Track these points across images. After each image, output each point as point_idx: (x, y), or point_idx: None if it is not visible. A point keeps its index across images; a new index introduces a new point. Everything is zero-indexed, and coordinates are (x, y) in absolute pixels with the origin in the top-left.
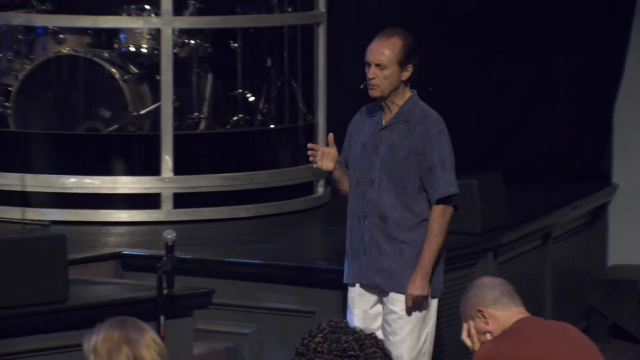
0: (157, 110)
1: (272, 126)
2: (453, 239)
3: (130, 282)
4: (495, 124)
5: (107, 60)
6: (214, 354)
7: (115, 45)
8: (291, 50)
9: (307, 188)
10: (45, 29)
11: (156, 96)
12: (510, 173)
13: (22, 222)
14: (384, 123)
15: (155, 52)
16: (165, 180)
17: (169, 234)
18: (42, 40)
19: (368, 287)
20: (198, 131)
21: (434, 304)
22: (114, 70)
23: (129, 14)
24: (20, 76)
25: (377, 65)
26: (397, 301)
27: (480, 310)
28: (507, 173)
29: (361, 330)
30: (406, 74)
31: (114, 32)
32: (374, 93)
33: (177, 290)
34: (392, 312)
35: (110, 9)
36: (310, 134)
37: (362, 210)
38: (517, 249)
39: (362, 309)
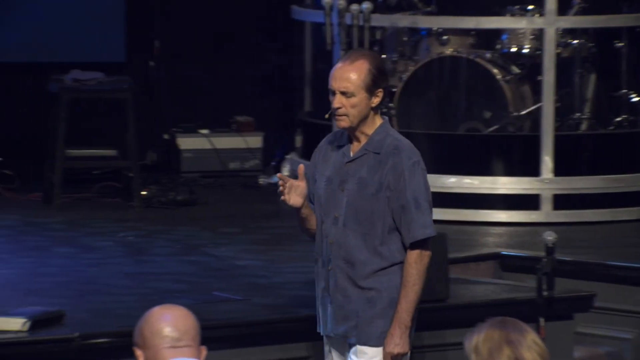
0: (538, 111)
1: None
2: None
3: (508, 282)
4: None
5: (489, 61)
6: (594, 357)
7: (497, 46)
8: None
9: None
10: (428, 31)
11: (537, 97)
12: None
13: None
14: (351, 155)
15: (538, 52)
16: (545, 181)
17: (549, 236)
18: (426, 42)
19: (336, 338)
20: (579, 132)
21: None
22: (495, 70)
23: (512, 15)
24: (404, 77)
25: (343, 93)
26: (362, 354)
27: None
28: None
29: None
30: (376, 100)
31: (495, 33)
32: (341, 124)
33: (557, 292)
34: None
35: (493, 10)
36: None
37: (326, 252)
38: None
39: None
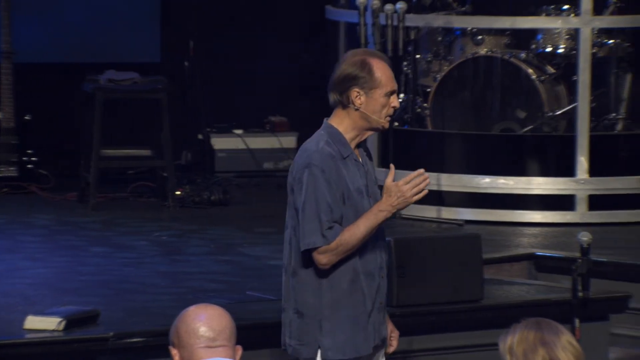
0: (573, 111)
1: None
2: None
3: (543, 283)
4: None
5: (524, 61)
6: (630, 359)
7: (532, 46)
8: None
9: None
10: (463, 30)
11: (572, 97)
12: None
13: (438, 221)
14: (360, 159)
15: (573, 52)
16: (580, 182)
17: (585, 236)
18: (460, 42)
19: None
20: (615, 132)
21: None
22: (530, 70)
23: (547, 14)
24: (438, 77)
25: (397, 92)
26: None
27: None
28: None
29: None
30: None
31: (530, 33)
32: (388, 125)
33: (593, 293)
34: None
35: (528, 10)
36: None
37: (377, 263)
38: None
39: None
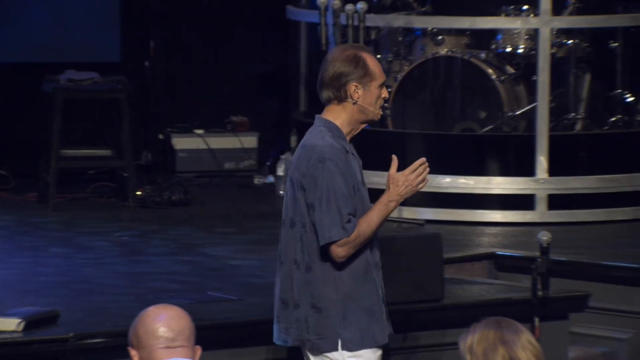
0: (533, 111)
1: None
2: None
3: (503, 282)
4: None
5: (484, 61)
6: (589, 358)
7: (492, 46)
8: None
9: None
10: (423, 31)
11: (532, 97)
12: None
13: (398, 221)
14: (355, 154)
15: (532, 52)
16: (539, 182)
17: (544, 236)
18: (421, 42)
19: None
20: (574, 132)
21: None
22: (490, 70)
23: (506, 15)
24: (399, 77)
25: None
26: None
27: None
28: None
29: None
30: None
31: (490, 33)
32: (380, 116)
33: (553, 292)
34: None
35: (488, 10)
36: None
37: (378, 254)
38: None
39: None
